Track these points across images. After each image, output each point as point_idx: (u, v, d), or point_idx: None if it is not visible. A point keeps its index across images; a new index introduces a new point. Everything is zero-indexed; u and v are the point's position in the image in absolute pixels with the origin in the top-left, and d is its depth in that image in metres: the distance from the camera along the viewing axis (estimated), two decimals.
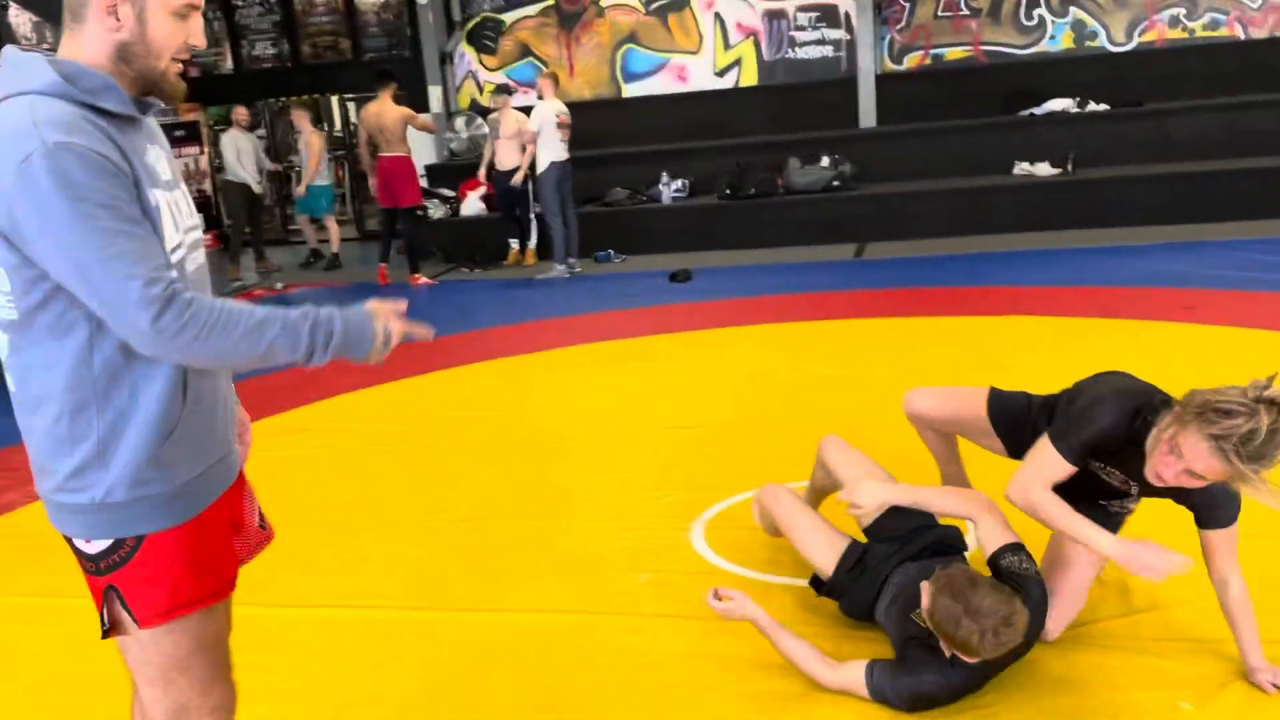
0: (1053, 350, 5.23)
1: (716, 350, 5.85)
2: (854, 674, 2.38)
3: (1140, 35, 10.17)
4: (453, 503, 3.89)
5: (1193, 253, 7.28)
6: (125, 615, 1.61)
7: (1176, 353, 4.98)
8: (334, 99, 12.84)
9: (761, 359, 5.57)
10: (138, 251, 1.45)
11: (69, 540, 1.64)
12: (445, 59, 11.51)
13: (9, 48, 1.57)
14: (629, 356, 5.88)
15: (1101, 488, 2.52)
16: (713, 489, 3.75)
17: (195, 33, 1.60)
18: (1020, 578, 2.32)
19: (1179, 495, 2.33)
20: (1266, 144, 8.95)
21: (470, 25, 11.59)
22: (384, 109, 8.64)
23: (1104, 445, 2.35)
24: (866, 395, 4.61)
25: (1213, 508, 2.32)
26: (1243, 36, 9.93)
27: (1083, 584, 2.60)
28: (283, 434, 4.72)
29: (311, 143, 9.94)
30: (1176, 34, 10.08)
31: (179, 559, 1.62)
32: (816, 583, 2.76)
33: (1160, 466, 2.16)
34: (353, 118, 12.85)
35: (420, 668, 2.76)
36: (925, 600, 2.24)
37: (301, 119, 10.16)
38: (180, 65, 1.61)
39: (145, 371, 1.55)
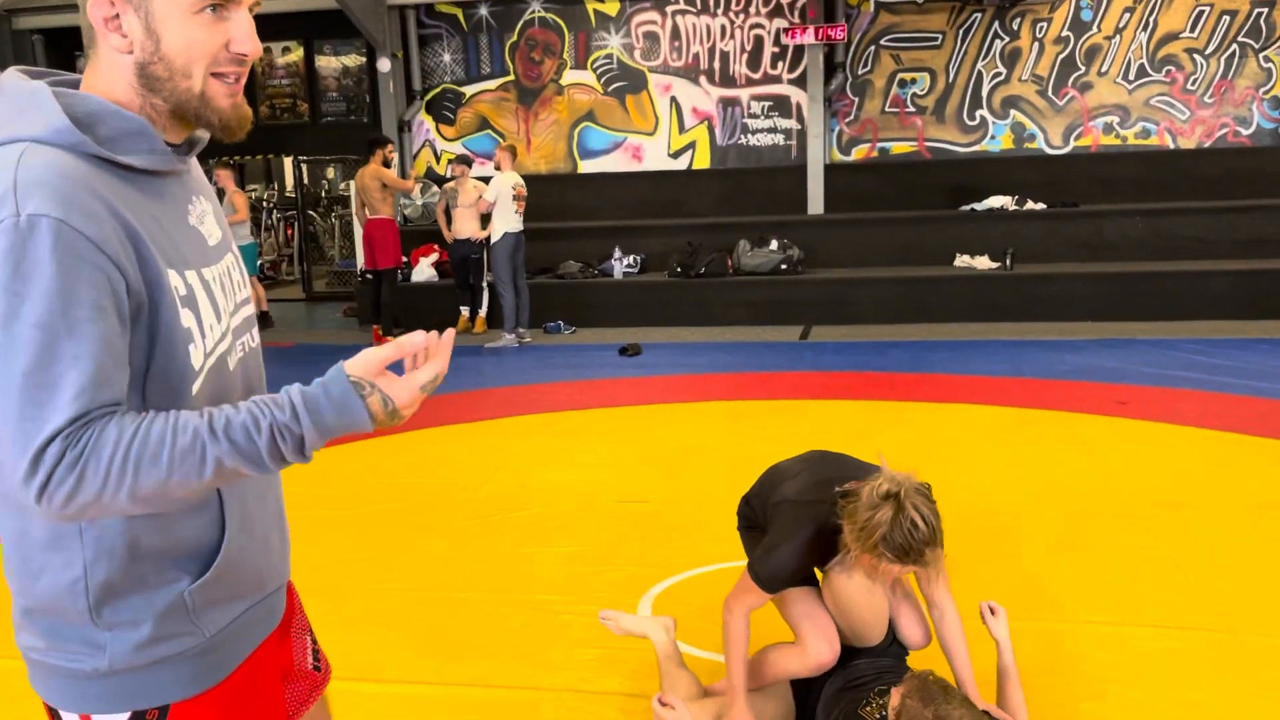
0: (994, 439, 5.35)
1: (666, 425, 5.88)
2: None
3: (1076, 139, 10.66)
4: (398, 572, 3.83)
5: (1125, 349, 7.55)
6: None
7: (1110, 446, 5.13)
8: (287, 160, 12.87)
9: (711, 435, 5.61)
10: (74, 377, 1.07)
11: (53, 713, 1.25)
12: (403, 126, 11.61)
13: (10, 73, 1.19)
14: (578, 428, 5.88)
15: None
16: (663, 565, 3.75)
17: (240, 36, 1.20)
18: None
19: None
20: (1193, 249, 9.39)
21: (430, 95, 11.73)
22: (364, 172, 8.97)
23: (804, 568, 2.37)
24: None
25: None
26: (1171, 146, 10.46)
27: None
28: None
29: (236, 202, 9.82)
30: (1110, 140, 10.59)
31: None
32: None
33: (875, 578, 2.24)
34: (306, 179, 12.90)
35: None
36: (894, 700, 2.17)
37: (226, 179, 9.97)
38: (231, 82, 1.23)
39: None
